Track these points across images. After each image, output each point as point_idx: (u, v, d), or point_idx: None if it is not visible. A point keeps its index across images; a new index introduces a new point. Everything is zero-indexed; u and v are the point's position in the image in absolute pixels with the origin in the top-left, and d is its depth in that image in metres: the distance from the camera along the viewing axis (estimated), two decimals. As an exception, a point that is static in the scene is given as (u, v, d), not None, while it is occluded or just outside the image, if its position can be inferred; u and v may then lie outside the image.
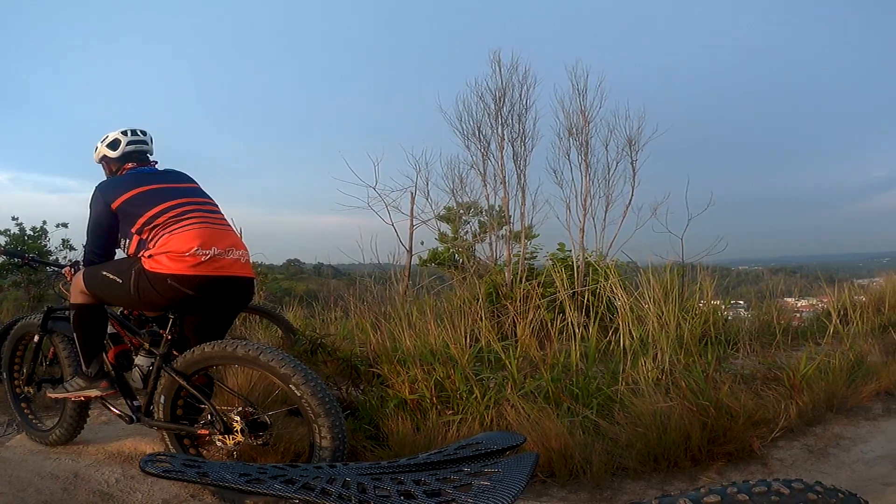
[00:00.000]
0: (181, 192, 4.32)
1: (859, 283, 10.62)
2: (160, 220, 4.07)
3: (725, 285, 8.38)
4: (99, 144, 4.62)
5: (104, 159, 4.64)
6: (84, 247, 4.47)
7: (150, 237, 4.07)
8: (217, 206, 4.49)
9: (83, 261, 4.50)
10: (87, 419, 4.93)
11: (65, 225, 11.76)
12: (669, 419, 4.27)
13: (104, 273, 4.17)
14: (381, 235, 9.17)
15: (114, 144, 4.57)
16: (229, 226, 4.41)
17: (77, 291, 4.34)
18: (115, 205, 4.17)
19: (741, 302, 9.54)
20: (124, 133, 4.60)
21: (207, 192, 4.56)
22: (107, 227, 4.26)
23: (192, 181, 4.57)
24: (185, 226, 4.05)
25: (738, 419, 4.30)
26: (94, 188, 4.34)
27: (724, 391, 4.47)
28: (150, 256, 3.98)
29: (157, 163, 4.68)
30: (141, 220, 4.08)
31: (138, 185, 4.27)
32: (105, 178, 4.62)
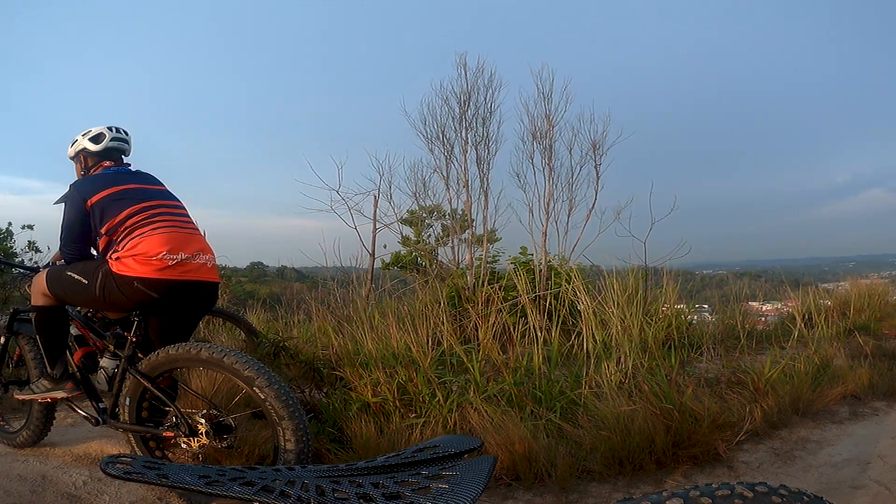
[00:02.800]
0: (153, 195, 4.32)
1: (825, 287, 10.71)
2: (130, 221, 4.07)
3: (689, 289, 8.38)
4: (79, 137, 4.55)
5: (83, 153, 4.55)
6: (59, 246, 4.40)
7: (119, 238, 4.05)
8: (185, 209, 4.49)
9: (64, 259, 4.44)
10: (54, 421, 4.91)
11: (30, 227, 11.59)
12: (633, 422, 4.22)
13: (69, 273, 4.16)
14: (344, 239, 9.14)
15: (98, 138, 4.52)
16: (197, 229, 4.42)
17: (38, 293, 4.33)
18: (90, 202, 4.12)
19: (706, 306, 9.56)
20: (109, 129, 4.56)
21: (176, 195, 4.54)
22: (82, 226, 4.19)
23: (161, 184, 4.55)
24: (154, 229, 4.05)
25: (702, 422, 4.26)
26: (68, 187, 4.29)
27: (687, 395, 4.43)
28: (117, 259, 3.99)
29: (130, 164, 4.64)
30: (113, 221, 4.07)
31: (115, 184, 4.24)
32: (77, 178, 4.55)
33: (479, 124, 9.39)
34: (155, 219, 4.11)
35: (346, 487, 1.61)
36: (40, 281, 4.30)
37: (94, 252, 4.33)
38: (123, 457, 1.67)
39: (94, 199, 4.11)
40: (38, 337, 4.39)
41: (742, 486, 1.54)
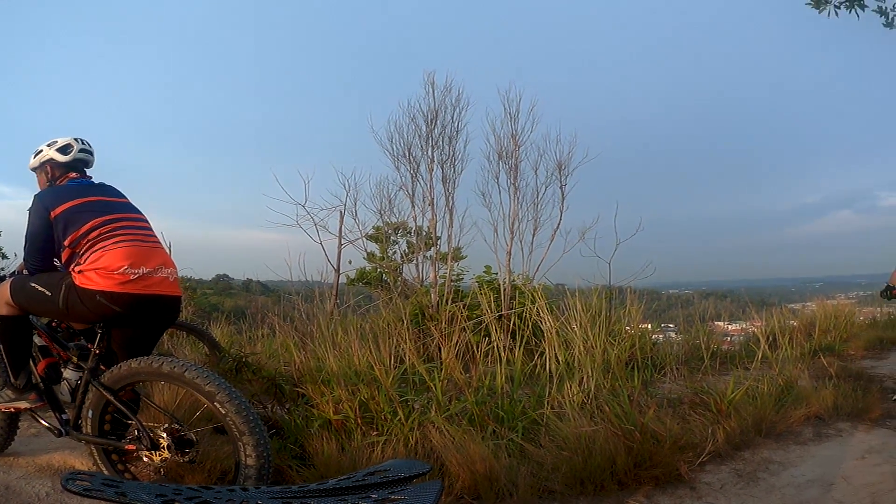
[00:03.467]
0: (115, 207, 4.30)
1: (791, 308, 10.78)
2: (93, 234, 4.06)
3: (655, 309, 8.38)
4: (44, 148, 4.48)
5: (49, 163, 4.48)
6: (24, 256, 4.34)
7: (81, 251, 4.05)
8: (148, 222, 4.47)
9: (27, 270, 4.39)
10: (17, 431, 4.90)
11: (-4, 232, 11.44)
12: (595, 443, 4.20)
13: (32, 285, 4.15)
14: (309, 253, 9.09)
15: (66, 149, 4.46)
16: (159, 243, 4.42)
17: (2, 302, 4.27)
18: (54, 213, 4.08)
19: (671, 325, 9.57)
20: (76, 140, 4.51)
21: (138, 208, 4.52)
22: (46, 236, 4.14)
23: (124, 196, 4.52)
24: (115, 242, 4.05)
25: (664, 443, 4.26)
26: (32, 197, 4.24)
27: (649, 415, 4.43)
28: (80, 272, 3.99)
29: (91, 177, 4.59)
30: (76, 233, 4.05)
31: (79, 195, 4.22)
32: (40, 189, 4.50)
33: (445, 143, 9.43)
34: (117, 232, 4.09)
35: None
36: (4, 290, 4.25)
37: (58, 263, 4.28)
38: (83, 473, 1.69)
39: (58, 210, 4.07)
40: (1, 346, 4.33)
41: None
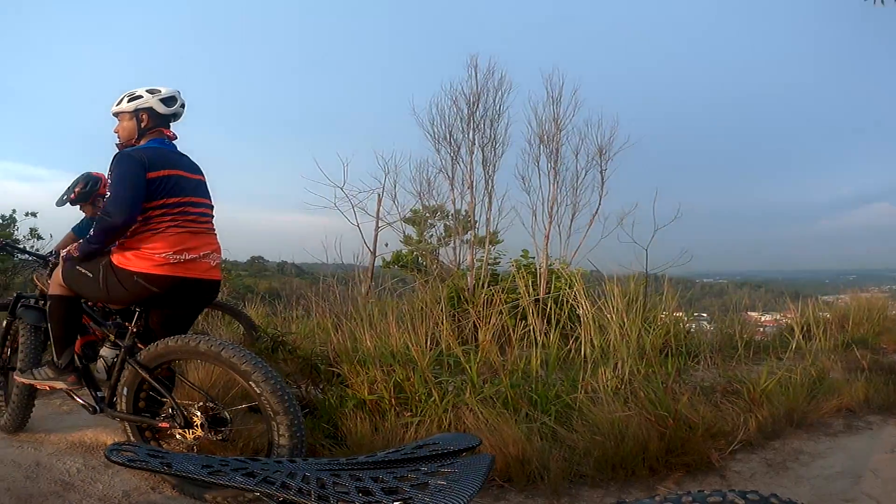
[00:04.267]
0: (189, 188, 4.19)
1: (825, 300, 10.69)
2: (158, 212, 4.01)
3: (689, 297, 8.37)
4: (146, 94, 4.27)
5: (147, 111, 4.27)
6: (103, 211, 3.93)
7: (137, 227, 4.00)
8: (211, 206, 4.40)
9: (99, 225, 3.99)
10: (40, 408, 4.97)
11: (34, 214, 11.60)
12: (627, 428, 4.22)
13: (78, 268, 4.12)
14: (345, 236, 9.14)
15: (170, 101, 4.32)
16: (212, 228, 4.37)
17: (55, 283, 4.29)
18: (150, 175, 3.96)
19: (704, 314, 9.54)
20: (178, 93, 4.39)
21: (208, 187, 4.43)
22: (141, 185, 3.92)
23: (201, 173, 4.42)
24: (169, 227, 4.01)
25: (696, 430, 4.27)
26: (122, 153, 4.07)
27: (682, 402, 4.44)
28: (120, 250, 4.02)
29: (176, 137, 4.45)
30: (149, 205, 3.98)
31: (173, 166, 4.14)
32: (120, 133, 4.34)
33: (486, 126, 9.44)
34: (178, 218, 4.05)
35: (345, 481, 1.63)
36: (57, 272, 4.28)
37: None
38: (128, 444, 1.69)
39: (154, 174, 3.98)
40: (49, 325, 4.34)
41: (734, 494, 1.55)
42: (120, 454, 1.62)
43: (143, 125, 4.28)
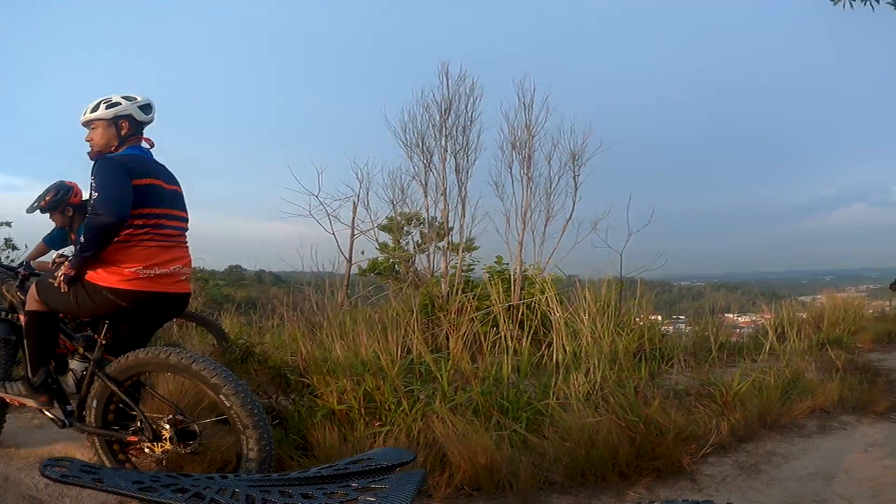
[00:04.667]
0: (166, 199, 4.11)
1: (801, 301, 10.75)
2: (137, 221, 3.90)
3: (666, 300, 8.39)
4: (123, 101, 4.13)
5: (126, 119, 4.13)
6: (91, 211, 3.79)
7: None
8: (186, 218, 4.33)
9: (89, 228, 3.81)
10: (10, 422, 4.89)
11: (8, 224, 11.49)
12: (598, 434, 4.21)
13: (50, 280, 4.03)
14: (322, 244, 9.11)
15: (147, 109, 4.21)
16: (185, 241, 4.30)
17: (31, 299, 4.19)
18: (135, 182, 3.86)
19: (682, 317, 9.55)
20: (152, 101, 4.27)
21: (184, 197, 4.35)
22: (129, 188, 3.81)
23: (178, 183, 4.31)
24: (141, 241, 3.93)
25: (667, 435, 4.26)
26: (104, 158, 3.97)
27: (654, 407, 4.43)
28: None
29: (153, 145, 4.33)
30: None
31: (154, 175, 4.06)
32: (95, 142, 4.17)
33: (459, 133, 9.44)
34: (152, 231, 3.97)
35: (275, 497, 1.62)
36: (33, 287, 4.18)
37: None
38: (62, 460, 1.66)
39: (138, 182, 3.89)
40: (26, 341, 4.26)
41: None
42: (53, 469, 1.59)
43: (122, 132, 4.14)
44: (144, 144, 4.24)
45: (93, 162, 4.00)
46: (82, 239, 3.83)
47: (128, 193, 3.80)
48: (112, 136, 4.13)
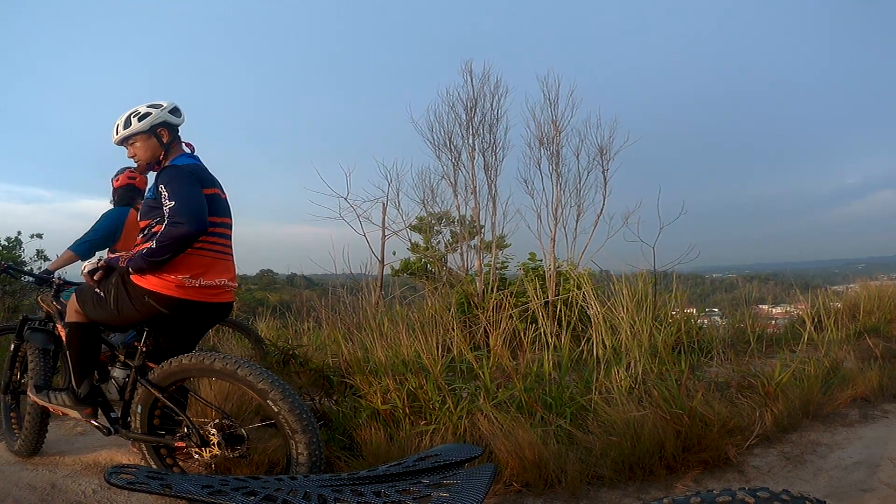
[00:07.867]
0: (224, 209, 4.14)
1: (834, 290, 10.65)
2: None
3: (700, 293, 8.37)
4: (154, 110, 4.08)
5: (164, 126, 4.12)
6: (170, 220, 3.71)
7: None
8: (232, 224, 4.27)
9: (166, 234, 3.72)
10: (53, 430, 4.94)
11: (39, 236, 11.64)
12: (643, 428, 4.21)
13: (94, 289, 4.03)
14: (353, 246, 9.13)
15: (177, 112, 4.18)
16: (230, 254, 4.23)
17: (72, 310, 4.19)
18: (204, 192, 3.87)
19: (716, 310, 9.52)
20: (177, 106, 4.23)
21: (230, 206, 4.30)
22: (204, 197, 3.82)
23: (224, 191, 4.25)
24: (197, 250, 3.89)
25: (712, 427, 4.25)
26: (170, 168, 3.93)
27: (697, 399, 4.42)
28: None
29: (193, 150, 4.29)
30: None
31: (213, 184, 4.06)
32: (135, 156, 4.15)
33: (485, 131, 9.45)
34: (208, 239, 3.94)
35: (347, 496, 1.63)
36: (73, 297, 4.17)
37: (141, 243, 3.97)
38: (128, 467, 1.69)
39: (207, 192, 3.90)
40: (68, 353, 4.28)
41: (744, 492, 1.55)
42: (119, 477, 1.63)
43: (164, 140, 4.13)
44: (186, 149, 4.22)
45: (156, 173, 4.01)
46: (153, 244, 3.74)
47: (205, 203, 3.80)
48: (156, 147, 4.12)
